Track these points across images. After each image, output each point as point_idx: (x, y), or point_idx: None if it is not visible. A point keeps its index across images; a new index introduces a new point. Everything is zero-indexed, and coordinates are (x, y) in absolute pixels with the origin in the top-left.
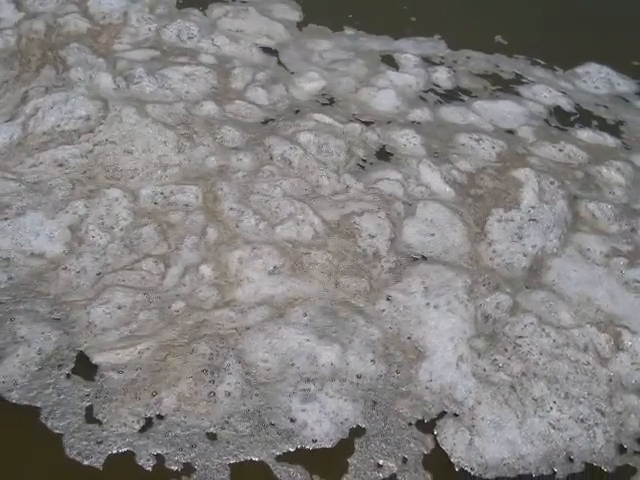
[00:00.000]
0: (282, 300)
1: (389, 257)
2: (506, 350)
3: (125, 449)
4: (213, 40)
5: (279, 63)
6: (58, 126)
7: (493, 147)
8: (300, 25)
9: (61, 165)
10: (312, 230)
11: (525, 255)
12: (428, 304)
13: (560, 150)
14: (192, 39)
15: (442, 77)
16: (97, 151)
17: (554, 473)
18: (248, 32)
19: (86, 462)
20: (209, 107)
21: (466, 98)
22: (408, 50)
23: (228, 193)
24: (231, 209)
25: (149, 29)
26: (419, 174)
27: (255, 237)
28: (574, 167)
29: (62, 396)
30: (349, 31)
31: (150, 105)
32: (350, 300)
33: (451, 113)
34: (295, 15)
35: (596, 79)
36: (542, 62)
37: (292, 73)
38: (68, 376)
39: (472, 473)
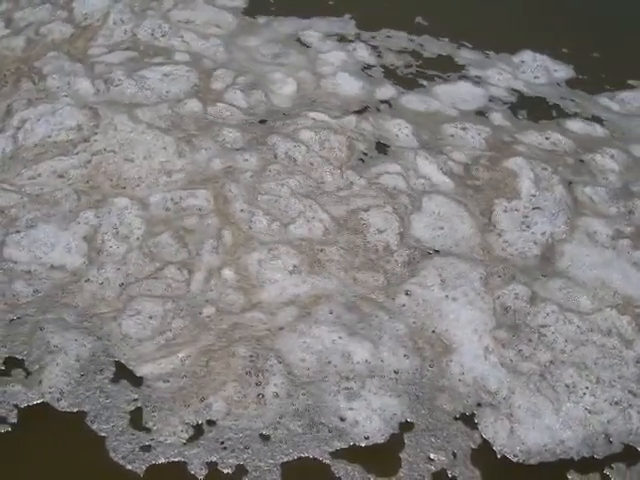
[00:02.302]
0: (307, 298)
1: (401, 251)
2: (530, 340)
3: (177, 458)
4: (183, 37)
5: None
6: (49, 137)
7: (479, 134)
8: (244, 12)
9: (61, 176)
10: (322, 227)
11: (536, 243)
12: (447, 296)
13: (547, 138)
14: (165, 36)
15: (365, 54)
16: (96, 160)
17: (594, 455)
18: (198, 23)
19: (129, 466)
20: (193, 105)
21: (425, 83)
22: (326, 30)
23: (238, 195)
24: (242, 211)
25: (125, 30)
26: (417, 167)
27: (269, 238)
28: (561, 154)
29: (109, 399)
30: (261, 19)
31: (139, 110)
32: (370, 295)
33: (410, 101)
34: (237, 1)
35: (534, 67)
36: (469, 45)
37: (261, 76)
38: (112, 380)
39: (516, 460)
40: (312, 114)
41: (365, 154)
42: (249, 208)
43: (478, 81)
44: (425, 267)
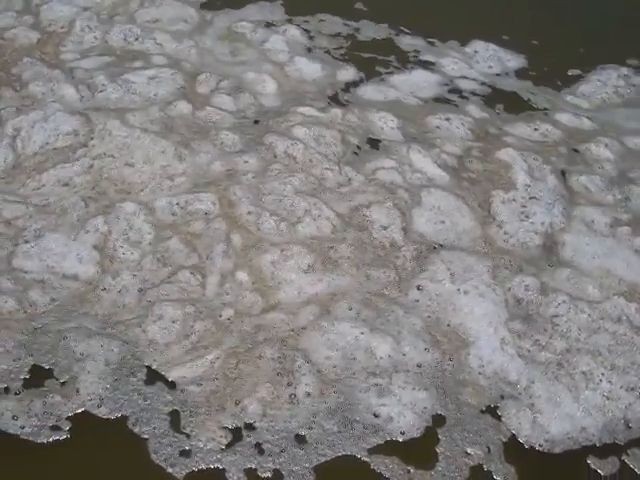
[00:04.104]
0: (324, 297)
1: (408, 246)
2: (545, 330)
3: (216, 465)
4: (156, 39)
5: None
6: (47, 144)
7: (463, 124)
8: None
9: (66, 184)
10: (330, 224)
11: (537, 233)
12: (458, 290)
13: (535, 129)
14: (137, 40)
15: (296, 35)
16: (97, 165)
17: (615, 441)
18: (164, 20)
19: (170, 470)
20: (183, 108)
21: (383, 70)
22: (260, 18)
23: (242, 197)
24: (249, 213)
25: (95, 36)
26: (411, 161)
27: (279, 238)
28: (551, 145)
29: (147, 401)
30: (208, 14)
31: (130, 114)
32: (383, 291)
33: (367, 91)
34: None
35: (487, 57)
36: (407, 30)
37: (236, 77)
38: (147, 383)
39: (541, 449)
40: (300, 109)
41: (359, 147)
42: (255, 210)
43: (433, 69)
44: (433, 262)
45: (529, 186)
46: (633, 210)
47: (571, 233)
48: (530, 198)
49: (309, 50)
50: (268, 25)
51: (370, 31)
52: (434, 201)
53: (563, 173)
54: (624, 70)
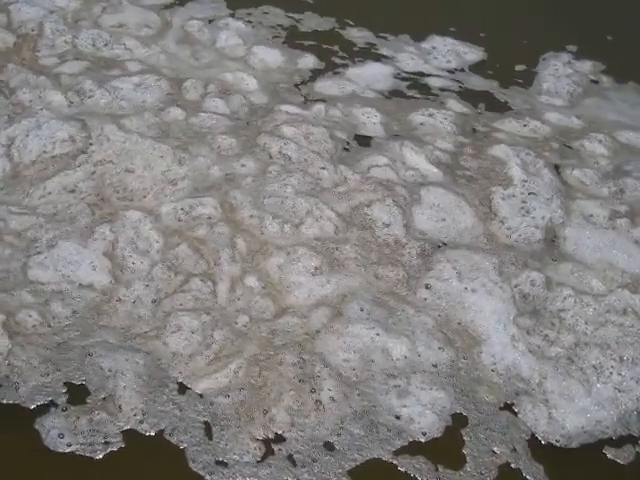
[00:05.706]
0: (335, 298)
1: (411, 244)
2: (553, 324)
3: (252, 479)
4: (125, 45)
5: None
6: (45, 152)
7: (446, 118)
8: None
9: (72, 191)
10: (332, 225)
11: (538, 228)
12: (466, 288)
13: (525, 125)
14: (107, 46)
15: (241, 28)
16: (99, 171)
17: (630, 432)
18: (130, 25)
19: (209, 477)
20: (177, 114)
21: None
22: (205, 15)
23: (243, 200)
24: (251, 216)
25: (65, 41)
26: (404, 158)
27: (284, 241)
28: (542, 140)
29: (182, 411)
30: (168, 17)
31: (126, 120)
32: (393, 290)
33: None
34: None
35: (445, 52)
36: (351, 22)
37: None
38: (179, 392)
39: (558, 444)
40: (283, 107)
41: (348, 143)
42: (258, 213)
43: (387, 63)
44: (439, 260)
45: (526, 181)
46: (629, 202)
47: (571, 227)
48: (529, 193)
49: (258, 40)
50: (211, 21)
51: (312, 23)
52: (433, 199)
53: (557, 167)
54: (565, 57)
